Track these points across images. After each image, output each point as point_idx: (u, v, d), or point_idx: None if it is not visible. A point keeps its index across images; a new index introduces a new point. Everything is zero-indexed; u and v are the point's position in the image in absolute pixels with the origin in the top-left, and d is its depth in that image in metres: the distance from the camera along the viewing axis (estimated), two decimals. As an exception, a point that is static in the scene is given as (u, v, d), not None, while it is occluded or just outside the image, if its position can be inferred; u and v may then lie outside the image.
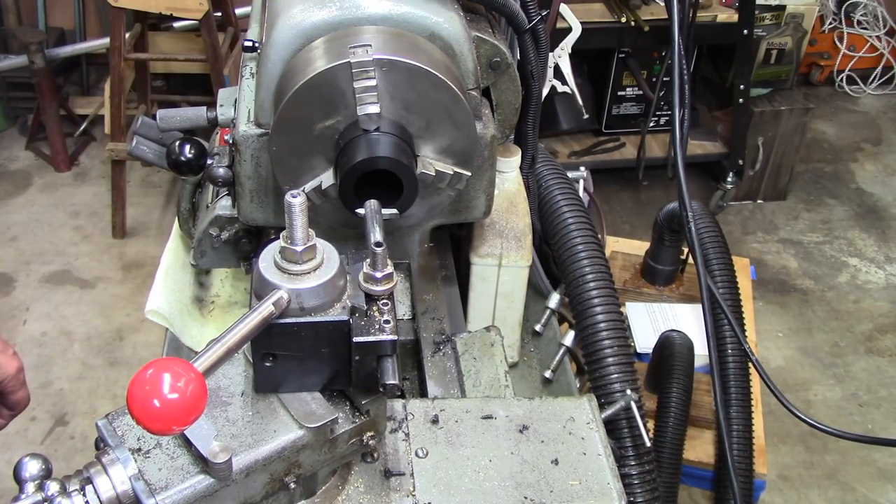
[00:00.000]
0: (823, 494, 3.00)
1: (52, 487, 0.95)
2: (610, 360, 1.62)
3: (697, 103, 4.31)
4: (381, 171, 1.23)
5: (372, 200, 1.11)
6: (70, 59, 4.66)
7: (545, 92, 2.06)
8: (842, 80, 5.23)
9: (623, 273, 2.79)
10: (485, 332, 1.59)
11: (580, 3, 3.78)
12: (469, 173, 1.35)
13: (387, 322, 1.00)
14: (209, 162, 1.51)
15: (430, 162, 1.31)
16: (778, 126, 4.13)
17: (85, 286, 3.79)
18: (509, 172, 1.66)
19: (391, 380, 1.00)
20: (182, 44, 4.40)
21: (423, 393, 1.48)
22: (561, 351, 1.77)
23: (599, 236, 1.79)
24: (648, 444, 1.51)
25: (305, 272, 0.98)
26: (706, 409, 2.34)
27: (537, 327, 1.85)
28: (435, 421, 1.26)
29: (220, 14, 4.03)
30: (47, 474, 0.97)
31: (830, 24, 5.06)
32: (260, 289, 0.99)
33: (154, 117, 1.62)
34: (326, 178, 1.31)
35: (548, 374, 1.76)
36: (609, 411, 1.42)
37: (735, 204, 4.35)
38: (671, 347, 2.17)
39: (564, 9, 3.15)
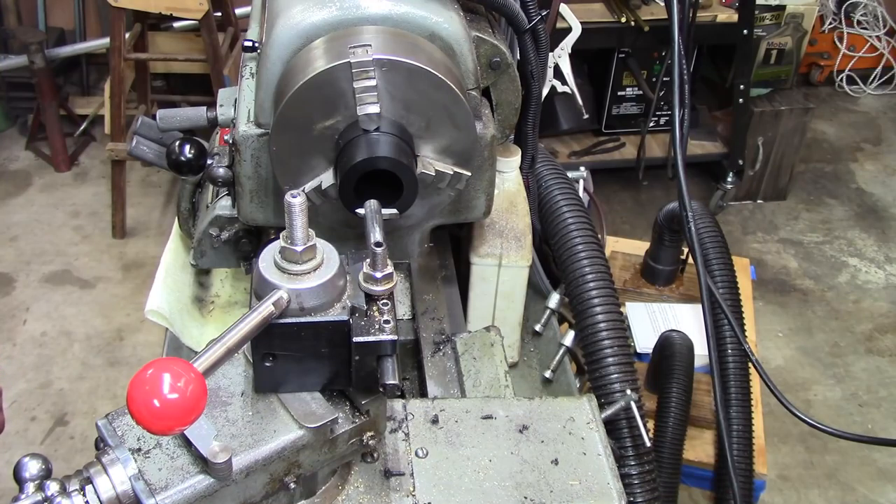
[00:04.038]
0: (823, 494, 3.00)
1: (52, 487, 0.95)
2: (610, 360, 1.62)
3: (697, 103, 4.31)
4: (381, 171, 1.24)
5: (372, 200, 1.11)
6: (70, 59, 4.65)
7: (545, 92, 2.06)
8: (842, 80, 5.23)
9: (623, 273, 2.79)
10: (485, 332, 1.59)
11: (580, 3, 3.77)
12: (469, 173, 1.35)
13: (387, 322, 1.00)
14: (209, 162, 1.51)
15: (430, 162, 1.31)
16: (778, 126, 4.13)
17: (85, 286, 3.79)
18: (509, 172, 1.66)
19: (391, 380, 1.00)
20: (182, 44, 4.39)
21: (423, 393, 1.48)
22: (561, 351, 1.77)
23: (599, 236, 1.79)
24: (648, 444, 1.51)
25: (305, 272, 0.98)
26: (706, 409, 2.34)
27: (537, 327, 1.85)
28: (435, 421, 1.26)
29: (220, 14, 4.03)
30: (47, 474, 0.97)
31: (830, 24, 5.05)
32: (260, 289, 0.99)
33: (154, 117, 1.62)
34: (326, 178, 1.31)
35: (548, 374, 1.76)
36: (609, 411, 1.42)
37: (735, 204, 4.35)
38: (671, 347, 2.17)
39: (564, 9, 3.15)
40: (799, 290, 3.90)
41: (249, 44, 1.47)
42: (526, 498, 1.16)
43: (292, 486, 1.05)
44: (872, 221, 4.33)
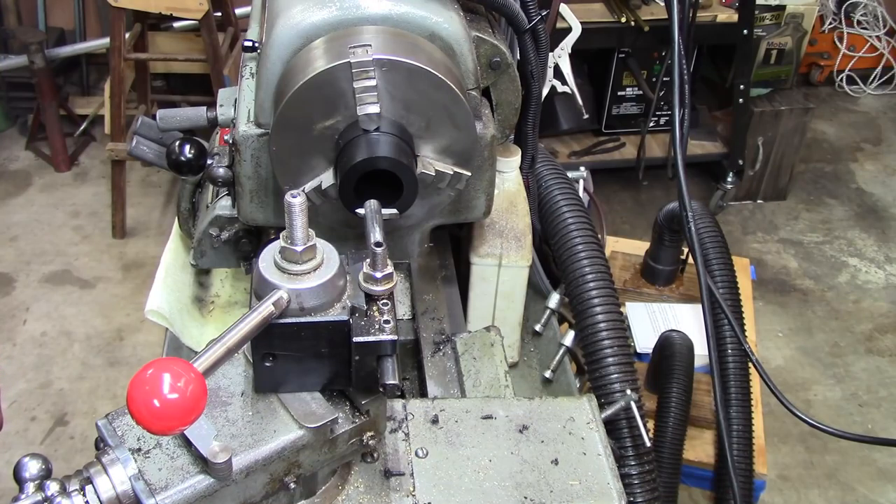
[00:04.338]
0: (823, 494, 3.00)
1: (52, 487, 0.95)
2: (610, 360, 1.62)
3: (697, 103, 4.31)
4: (381, 171, 1.23)
5: (372, 200, 1.11)
6: (70, 59, 4.65)
7: (545, 92, 2.06)
8: (842, 80, 5.23)
9: (623, 273, 2.79)
10: (485, 332, 1.59)
11: (580, 3, 3.77)
12: (469, 173, 1.35)
13: (387, 322, 1.00)
14: (209, 162, 1.51)
15: (430, 162, 1.31)
16: (778, 126, 4.13)
17: (85, 286, 3.79)
18: (509, 172, 1.66)
19: (391, 380, 1.00)
20: (182, 44, 4.40)
21: (423, 393, 1.48)
22: (561, 351, 1.77)
23: (599, 236, 1.79)
24: (648, 444, 1.51)
25: (305, 272, 0.98)
26: (706, 409, 2.34)
27: (537, 327, 1.85)
28: (435, 421, 1.26)
29: (220, 14, 4.03)
30: (47, 474, 0.97)
31: (830, 24, 5.05)
32: (260, 289, 0.99)
33: (154, 117, 1.62)
34: (326, 178, 1.31)
35: (548, 374, 1.76)
36: (609, 411, 1.42)
37: (735, 204, 4.35)
38: (671, 347, 2.17)
39: (564, 9, 3.15)
40: (799, 290, 3.90)
41: (249, 44, 1.47)
42: (526, 498, 1.16)
43: (292, 486, 1.05)
44: (872, 221, 4.33)
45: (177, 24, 4.37)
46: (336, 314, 1.00)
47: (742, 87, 3.92)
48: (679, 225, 2.46)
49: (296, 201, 0.96)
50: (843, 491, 3.01)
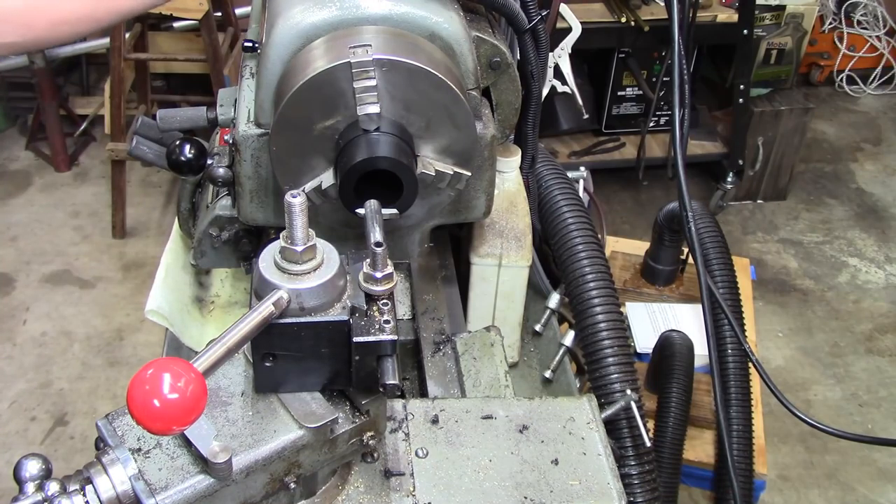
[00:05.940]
0: (823, 494, 3.00)
1: (52, 487, 0.95)
2: (610, 360, 1.62)
3: (697, 103, 4.31)
4: (381, 171, 1.23)
5: (372, 200, 1.11)
6: (70, 59, 4.65)
7: (545, 92, 2.06)
8: (842, 80, 5.23)
9: (623, 273, 2.79)
10: (485, 332, 1.59)
11: (580, 3, 3.78)
12: (469, 173, 1.35)
13: (387, 322, 1.00)
14: (209, 162, 1.51)
15: (430, 162, 1.31)
16: (778, 126, 4.13)
17: (85, 286, 3.79)
18: (509, 172, 1.66)
19: (391, 380, 1.00)
20: (182, 44, 4.39)
21: (423, 393, 1.48)
22: (561, 351, 1.77)
23: (599, 236, 1.79)
24: (648, 444, 1.51)
25: (305, 272, 0.98)
26: (706, 409, 2.34)
27: (537, 327, 1.85)
28: (435, 421, 1.26)
29: (220, 14, 4.03)
30: (47, 474, 0.97)
31: (830, 24, 5.05)
32: (260, 289, 0.99)
33: (154, 117, 1.62)
34: (326, 178, 1.31)
35: (548, 374, 1.76)
36: (609, 411, 1.42)
37: (735, 204, 4.35)
38: (671, 347, 2.17)
39: (564, 9, 3.15)
40: (799, 290, 3.90)
41: (249, 44, 1.47)
42: (526, 498, 1.16)
43: (292, 486, 1.05)
44: (872, 221, 4.33)
45: (177, 24, 4.36)
46: (336, 314, 1.00)
47: (742, 87, 3.92)
48: (679, 225, 2.46)
49: (296, 201, 0.96)
50: (843, 491, 3.01)
